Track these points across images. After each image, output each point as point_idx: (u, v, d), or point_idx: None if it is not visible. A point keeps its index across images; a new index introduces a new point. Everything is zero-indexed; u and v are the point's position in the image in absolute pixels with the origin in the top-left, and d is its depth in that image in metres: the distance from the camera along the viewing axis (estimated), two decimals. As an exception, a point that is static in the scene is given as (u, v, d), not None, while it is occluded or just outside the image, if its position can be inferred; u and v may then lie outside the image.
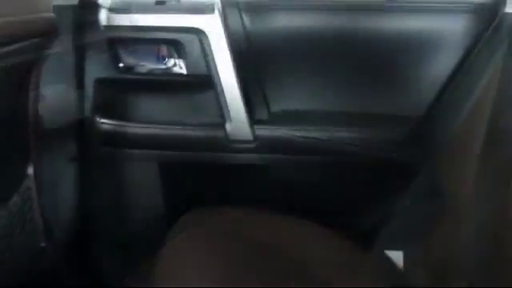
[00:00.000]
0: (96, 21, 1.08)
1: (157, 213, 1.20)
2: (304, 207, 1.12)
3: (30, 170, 1.04)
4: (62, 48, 1.04)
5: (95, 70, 1.13)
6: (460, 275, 0.75)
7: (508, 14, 1.01)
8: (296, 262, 0.93)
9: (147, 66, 1.14)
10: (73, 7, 1.06)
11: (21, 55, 0.84)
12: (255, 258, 0.93)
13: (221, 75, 1.11)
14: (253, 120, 1.13)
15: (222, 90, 1.11)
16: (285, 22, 1.11)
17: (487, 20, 1.03)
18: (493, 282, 0.63)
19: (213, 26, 1.08)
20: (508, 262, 0.63)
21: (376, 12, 1.09)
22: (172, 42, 1.11)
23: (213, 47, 1.09)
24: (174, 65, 1.13)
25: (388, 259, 1.04)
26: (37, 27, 0.85)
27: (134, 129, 1.17)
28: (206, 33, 1.08)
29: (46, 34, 0.91)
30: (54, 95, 1.07)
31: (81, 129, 1.15)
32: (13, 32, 0.78)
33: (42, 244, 1.10)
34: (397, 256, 1.05)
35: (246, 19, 1.10)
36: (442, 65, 1.07)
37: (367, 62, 1.10)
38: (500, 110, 0.79)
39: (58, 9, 0.93)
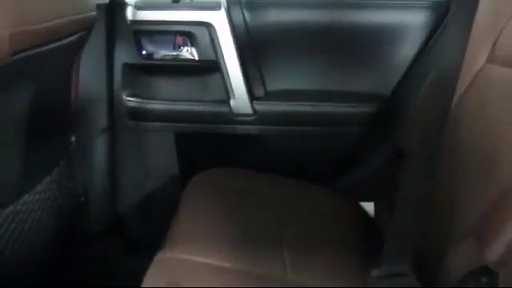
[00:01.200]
0: (124, 16, 1.30)
1: (173, 174, 1.43)
2: (294, 168, 1.37)
3: (73, 139, 1.28)
4: (97, 38, 1.27)
5: (123, 56, 1.34)
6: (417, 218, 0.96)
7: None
8: (289, 213, 1.16)
9: (165, 53, 1.34)
10: (106, 5, 1.28)
11: (72, 45, 1.07)
12: (257, 209, 1.15)
13: (226, 60, 1.32)
14: (252, 97, 1.35)
15: (227, 73, 1.33)
16: (278, 16, 1.33)
17: (442, 14, 1.25)
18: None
19: (219, 20, 1.29)
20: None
21: (353, 8, 1.31)
22: (186, 33, 1.32)
23: (219, 37, 1.30)
24: (188, 52, 1.34)
25: (362, 209, 1.28)
26: (85, 23, 1.08)
27: (154, 105, 1.38)
28: (214, 26, 1.30)
29: (90, 27, 1.14)
30: (90, 77, 1.30)
31: (111, 105, 1.37)
32: (70, 27, 1.01)
33: (82, 199, 1.34)
34: (368, 206, 1.29)
35: (247, 15, 1.31)
36: (406, 52, 1.30)
37: (345, 49, 1.33)
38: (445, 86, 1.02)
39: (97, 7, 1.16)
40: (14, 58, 0.81)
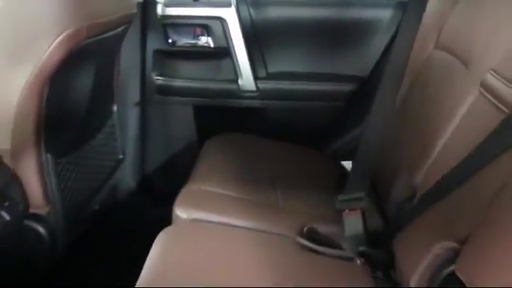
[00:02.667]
0: (155, 12, 1.63)
1: (191, 138, 1.76)
2: (289, 134, 1.69)
3: (115, 108, 1.61)
4: (134, 29, 1.59)
5: (153, 43, 1.66)
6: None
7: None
8: (283, 166, 1.48)
9: (186, 41, 1.66)
10: (141, 4, 1.60)
11: (119, 34, 1.40)
12: (257, 163, 1.47)
13: (235, 47, 1.64)
14: (256, 77, 1.67)
15: (236, 57, 1.65)
16: (277, 12, 1.65)
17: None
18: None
19: (230, 16, 1.61)
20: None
21: (337, 6, 1.63)
22: (203, 26, 1.64)
23: (230, 29, 1.62)
24: (204, 40, 1.66)
25: (341, 165, 1.60)
26: (128, 18, 1.41)
27: (177, 82, 1.71)
28: (226, 20, 1.62)
29: (131, 21, 1.47)
30: (128, 60, 1.63)
31: (143, 82, 1.71)
32: (119, 21, 1.34)
33: (120, 156, 1.67)
34: (348, 164, 1.60)
35: (252, 11, 1.64)
36: (379, 42, 1.61)
37: (331, 39, 1.65)
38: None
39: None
40: (84, 42, 1.14)
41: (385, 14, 1.61)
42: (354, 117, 1.64)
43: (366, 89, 1.64)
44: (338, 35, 1.65)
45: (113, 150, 1.61)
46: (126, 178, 1.77)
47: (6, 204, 1.04)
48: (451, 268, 0.81)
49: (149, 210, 1.74)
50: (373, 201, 1.21)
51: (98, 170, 1.51)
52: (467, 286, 0.74)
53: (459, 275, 0.77)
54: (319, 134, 1.73)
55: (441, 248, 0.84)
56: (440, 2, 1.35)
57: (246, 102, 1.70)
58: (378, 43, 1.63)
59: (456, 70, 1.12)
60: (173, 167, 1.77)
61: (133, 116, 1.72)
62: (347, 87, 1.66)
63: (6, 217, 1.03)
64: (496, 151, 0.77)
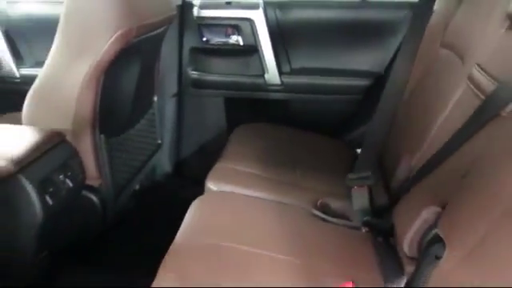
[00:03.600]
0: (191, 14, 1.83)
1: (221, 126, 1.96)
2: (310, 124, 1.87)
3: (155, 99, 1.82)
4: (173, 29, 1.80)
5: (189, 41, 1.87)
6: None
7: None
8: (303, 151, 1.66)
9: (219, 39, 1.87)
10: (180, 6, 1.81)
11: (161, 34, 1.61)
12: (280, 148, 1.65)
13: (262, 45, 1.84)
14: (280, 72, 1.86)
15: (263, 54, 1.84)
16: (300, 14, 1.83)
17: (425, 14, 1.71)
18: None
19: (258, 17, 1.80)
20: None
21: (354, 8, 1.80)
22: (234, 26, 1.84)
23: (258, 29, 1.82)
24: (235, 39, 1.86)
25: (355, 152, 1.76)
26: (169, 19, 1.62)
27: (210, 77, 1.91)
28: (254, 20, 1.81)
29: (171, 21, 1.67)
30: (167, 56, 1.84)
31: (180, 76, 1.92)
32: (162, 22, 1.54)
33: (159, 141, 1.88)
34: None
35: (277, 13, 1.82)
36: (393, 41, 1.76)
37: (349, 38, 1.82)
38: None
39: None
40: (134, 40, 1.35)
41: (397, 15, 1.77)
42: (369, 109, 1.78)
43: (380, 83, 1.79)
44: (354, 34, 1.82)
45: (152, 135, 1.82)
46: (163, 161, 1.98)
47: (69, 174, 1.26)
48: (436, 231, 0.97)
49: (183, 191, 1.91)
50: (379, 179, 1.37)
51: (140, 153, 1.73)
52: (446, 244, 0.90)
53: (440, 235, 0.94)
54: (337, 124, 1.90)
55: (427, 212, 1.00)
56: (446, 3, 1.50)
57: (272, 95, 1.90)
58: (392, 41, 1.79)
59: (454, 65, 1.27)
60: (205, 152, 1.97)
61: (170, 106, 1.94)
62: (363, 82, 1.83)
63: (70, 184, 1.25)
64: (471, 132, 0.93)
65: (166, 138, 1.94)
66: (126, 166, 1.60)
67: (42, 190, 1.14)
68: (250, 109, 1.97)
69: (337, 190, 1.39)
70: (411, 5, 1.71)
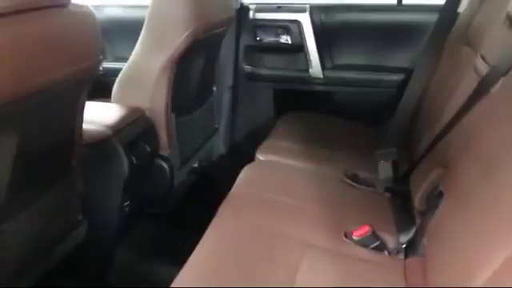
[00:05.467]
0: (248, 16, 2.14)
1: (270, 115, 2.25)
2: (348, 114, 2.11)
3: (214, 89, 2.13)
4: (231, 29, 2.11)
5: (245, 40, 2.17)
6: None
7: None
8: (341, 136, 1.92)
9: (270, 39, 2.16)
10: (237, 10, 2.12)
11: (223, 33, 1.92)
12: (320, 134, 1.92)
13: (308, 44, 2.11)
14: (324, 67, 2.12)
15: (308, 52, 2.11)
16: (341, 17, 2.09)
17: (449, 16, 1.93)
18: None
19: (305, 19, 2.08)
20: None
21: (388, 11, 2.04)
22: (283, 27, 2.12)
23: (304, 30, 2.09)
24: (284, 38, 2.15)
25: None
26: (229, 20, 1.93)
27: (261, 71, 2.21)
28: (301, 22, 2.09)
29: (230, 23, 1.98)
30: (225, 53, 2.14)
31: (235, 70, 2.22)
32: (224, 22, 1.85)
33: (216, 125, 2.19)
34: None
35: (322, 16, 2.09)
36: (423, 40, 1.99)
37: (383, 37, 2.06)
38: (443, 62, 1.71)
39: (234, 11, 2.01)
40: (201, 37, 1.66)
41: (426, 17, 1.97)
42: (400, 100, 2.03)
43: (410, 78, 2.02)
44: (388, 34, 2.07)
45: (211, 120, 2.14)
46: (219, 143, 2.29)
47: (147, 141, 1.59)
48: (440, 188, 1.21)
49: (235, 171, 2.24)
50: (404, 155, 1.61)
51: (200, 134, 2.03)
52: (445, 196, 1.14)
53: (442, 190, 1.18)
54: (371, 113, 2.13)
55: (434, 174, 1.24)
56: (469, 6, 1.72)
57: (315, 87, 2.17)
58: (421, 40, 1.98)
59: (471, 59, 1.49)
60: (255, 137, 2.25)
61: (227, 96, 2.24)
62: (395, 76, 2.06)
63: (148, 149, 1.57)
64: (469, 107, 1.17)
65: (222, 123, 2.25)
66: (189, 142, 1.91)
67: (128, 151, 1.47)
68: (296, 99, 2.24)
69: (365, 164, 1.64)
70: (438, 8, 1.92)
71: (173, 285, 1.05)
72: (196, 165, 2.06)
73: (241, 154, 2.30)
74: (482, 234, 0.88)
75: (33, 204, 1.20)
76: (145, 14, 1.61)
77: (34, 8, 0.98)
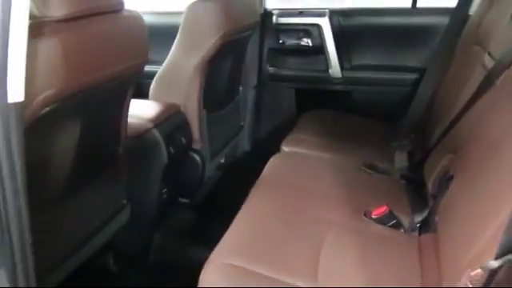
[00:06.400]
0: (271, 21, 2.30)
1: (292, 112, 2.39)
2: (365, 111, 2.25)
3: (241, 88, 2.28)
4: (255, 32, 2.26)
5: (268, 43, 2.33)
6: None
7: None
8: (359, 131, 2.05)
9: (292, 41, 2.31)
10: (262, 14, 2.28)
11: (248, 36, 2.08)
12: (340, 129, 2.06)
13: (327, 46, 2.25)
14: (342, 68, 2.26)
15: (328, 53, 2.26)
16: (358, 21, 2.24)
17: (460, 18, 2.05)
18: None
19: (324, 23, 2.23)
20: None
21: (401, 14, 2.18)
22: (304, 30, 2.27)
23: (324, 33, 2.24)
24: (305, 41, 2.30)
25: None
26: (255, 24, 2.08)
27: (284, 72, 2.35)
28: (321, 26, 2.23)
29: (255, 27, 2.14)
30: (250, 55, 2.30)
31: (260, 71, 2.38)
32: (250, 26, 2.01)
33: (242, 123, 2.34)
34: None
35: (340, 19, 2.24)
36: (436, 41, 2.12)
37: (397, 39, 2.20)
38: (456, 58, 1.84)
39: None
40: (230, 39, 1.82)
41: (439, 20, 2.09)
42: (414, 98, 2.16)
43: (422, 77, 2.15)
44: (403, 36, 2.20)
45: (237, 118, 2.29)
46: (244, 140, 2.44)
47: (183, 134, 1.74)
48: (451, 172, 1.34)
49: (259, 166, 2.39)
50: (418, 146, 1.74)
51: (227, 131, 2.19)
52: (454, 178, 1.27)
53: (453, 174, 1.31)
54: (388, 111, 2.26)
55: (445, 160, 1.37)
56: (480, 8, 1.84)
57: (334, 87, 2.31)
58: (435, 41, 2.11)
59: (481, 58, 1.62)
60: (278, 134, 2.38)
61: (251, 95, 2.40)
62: (410, 76, 2.19)
63: (183, 141, 1.73)
64: (476, 98, 1.30)
65: (247, 121, 2.40)
66: (218, 138, 2.06)
67: (167, 142, 1.63)
68: (316, 98, 2.39)
69: (382, 155, 1.77)
70: (450, 11, 2.05)
71: (209, 260, 1.17)
72: (223, 160, 2.20)
73: (264, 151, 2.45)
74: (486, 209, 1.00)
75: (85, 188, 1.36)
76: (174, 20, 1.77)
77: (94, 13, 1.15)
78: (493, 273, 0.78)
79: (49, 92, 0.98)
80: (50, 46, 0.98)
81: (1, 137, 0.76)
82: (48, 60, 0.98)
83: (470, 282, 0.85)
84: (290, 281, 1.09)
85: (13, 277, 0.80)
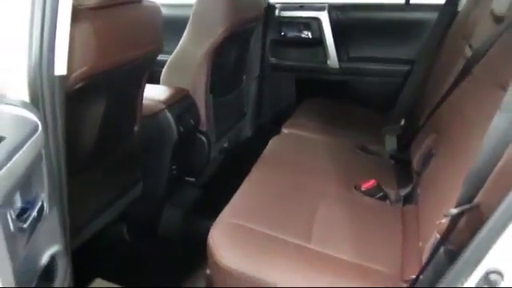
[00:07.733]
0: (274, 14, 2.45)
1: (291, 100, 2.55)
2: (361, 101, 2.40)
3: (244, 77, 2.44)
4: (259, 25, 2.42)
5: (271, 35, 2.48)
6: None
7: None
8: (351, 119, 2.21)
9: (293, 34, 2.46)
10: (265, 8, 2.43)
11: (252, 28, 2.23)
12: (335, 116, 2.22)
13: (326, 39, 2.41)
14: (340, 59, 2.42)
15: (326, 45, 2.41)
16: (355, 15, 2.39)
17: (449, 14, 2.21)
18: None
19: (324, 17, 2.38)
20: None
21: (396, 10, 2.33)
22: (305, 23, 2.42)
23: (323, 26, 2.39)
24: (306, 33, 2.46)
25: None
26: (258, 17, 2.24)
27: (285, 62, 2.52)
28: (321, 19, 2.39)
29: (259, 19, 2.30)
30: (253, 47, 2.45)
31: (262, 61, 2.53)
32: (254, 19, 2.17)
33: (245, 110, 2.50)
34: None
35: (339, 13, 2.39)
36: (425, 36, 2.27)
37: (392, 33, 2.35)
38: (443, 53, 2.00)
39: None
40: (235, 30, 1.97)
41: (431, 15, 2.23)
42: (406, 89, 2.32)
43: (415, 69, 2.30)
44: (398, 30, 2.35)
45: (240, 105, 2.45)
46: (246, 126, 2.60)
47: (191, 115, 1.91)
48: (433, 151, 1.50)
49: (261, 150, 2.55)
50: (407, 129, 1.90)
51: (231, 116, 2.35)
52: (434, 154, 1.43)
53: (435, 153, 1.47)
54: (382, 100, 2.41)
55: (429, 140, 1.53)
56: (468, 4, 1.99)
57: (332, 77, 2.47)
58: (426, 35, 2.27)
59: (463, 48, 1.77)
60: (279, 120, 2.55)
61: (254, 84, 2.55)
62: (403, 67, 2.33)
63: (192, 122, 1.89)
64: (456, 84, 1.46)
65: (250, 108, 2.56)
66: (223, 121, 2.22)
67: (177, 122, 1.79)
68: (315, 87, 2.54)
69: (374, 139, 1.93)
70: (440, 7, 2.21)
71: (216, 220, 1.32)
72: (226, 145, 2.35)
73: (266, 136, 2.61)
74: (458, 177, 1.16)
75: (105, 160, 1.53)
76: (183, 12, 1.91)
77: (120, 3, 1.30)
78: (455, 221, 0.94)
79: (82, 69, 1.14)
80: (84, 30, 1.14)
81: (48, 101, 0.92)
82: (82, 42, 1.14)
83: (438, 232, 1.02)
84: (288, 238, 1.26)
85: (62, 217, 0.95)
